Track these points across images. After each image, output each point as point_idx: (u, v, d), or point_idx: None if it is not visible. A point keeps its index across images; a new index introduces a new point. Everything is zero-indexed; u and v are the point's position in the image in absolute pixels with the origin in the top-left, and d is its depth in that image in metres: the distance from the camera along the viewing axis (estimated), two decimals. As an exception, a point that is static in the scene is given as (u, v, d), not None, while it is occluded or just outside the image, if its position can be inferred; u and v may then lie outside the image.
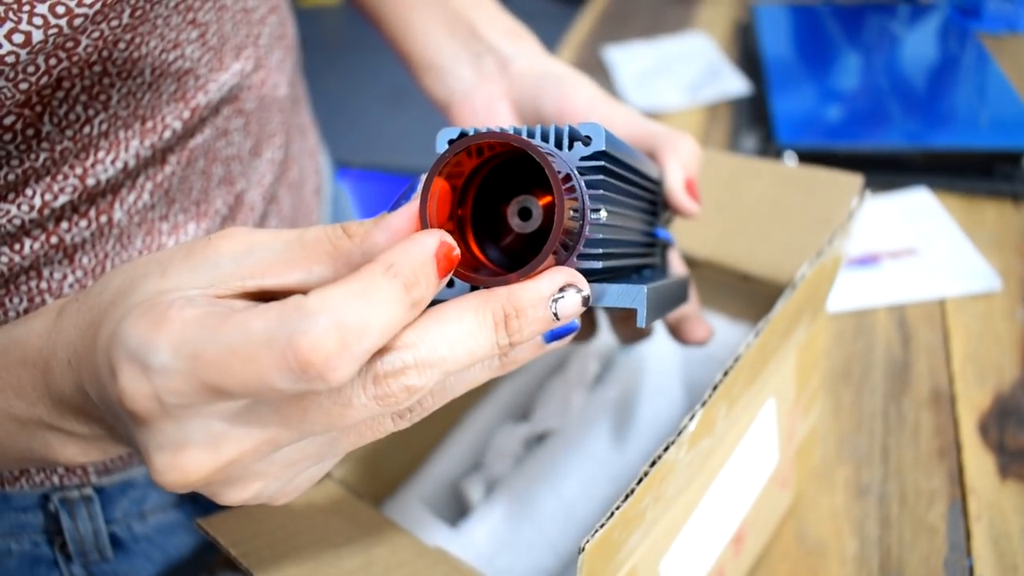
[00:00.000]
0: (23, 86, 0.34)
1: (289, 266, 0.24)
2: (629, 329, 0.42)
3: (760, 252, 0.46)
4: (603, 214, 0.26)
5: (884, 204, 0.77)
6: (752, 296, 0.47)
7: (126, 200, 0.43)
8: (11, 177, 0.38)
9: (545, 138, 0.27)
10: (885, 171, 0.81)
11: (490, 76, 0.49)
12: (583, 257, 0.26)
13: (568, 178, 0.25)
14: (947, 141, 0.81)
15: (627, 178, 0.31)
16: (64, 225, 0.41)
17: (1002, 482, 0.52)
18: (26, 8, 0.32)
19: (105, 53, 0.38)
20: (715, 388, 0.31)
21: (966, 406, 0.58)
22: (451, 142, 0.27)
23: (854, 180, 0.46)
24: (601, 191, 0.26)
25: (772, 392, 0.41)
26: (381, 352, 0.23)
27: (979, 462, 0.54)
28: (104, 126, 0.40)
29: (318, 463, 0.26)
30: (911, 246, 0.72)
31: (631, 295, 0.26)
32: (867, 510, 0.52)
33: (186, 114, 0.44)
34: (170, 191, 0.46)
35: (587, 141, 0.27)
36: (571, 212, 0.24)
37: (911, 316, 0.66)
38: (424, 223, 0.24)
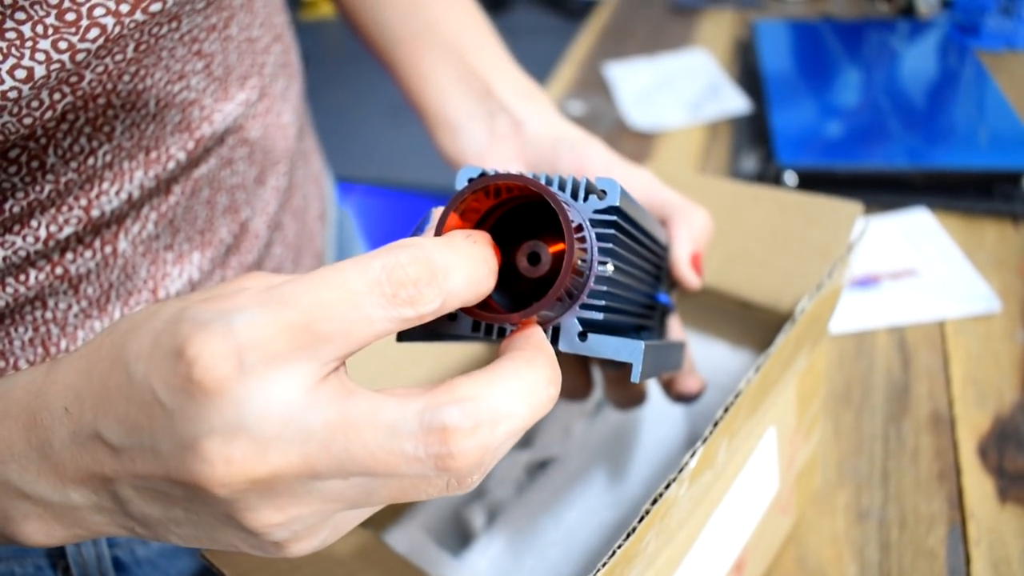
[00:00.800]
0: (27, 120, 0.35)
1: None
2: (623, 392, 0.42)
3: (760, 279, 0.47)
4: (609, 267, 0.27)
5: (884, 224, 0.77)
6: (753, 323, 0.47)
7: (131, 230, 0.44)
8: (16, 209, 0.38)
9: (562, 187, 0.28)
10: (885, 191, 0.81)
11: (504, 137, 0.49)
12: (585, 307, 0.27)
13: (580, 228, 0.25)
14: (946, 161, 0.82)
15: (636, 237, 0.32)
16: (69, 256, 0.42)
17: (1002, 506, 0.52)
18: (28, 44, 0.32)
19: (109, 86, 0.39)
20: (716, 424, 0.31)
21: (966, 429, 0.58)
22: (471, 180, 0.28)
23: (853, 207, 0.46)
24: (610, 245, 0.27)
25: (773, 421, 0.41)
26: (444, 403, 0.22)
27: (979, 486, 0.54)
28: (108, 157, 0.41)
29: (349, 510, 0.24)
30: (911, 267, 0.72)
31: (628, 349, 0.27)
32: (867, 534, 0.52)
33: (190, 145, 0.45)
34: (175, 221, 0.46)
35: (602, 195, 0.27)
36: (579, 261, 0.25)
37: (911, 338, 0.66)
38: None
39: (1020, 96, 0.93)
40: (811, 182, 0.81)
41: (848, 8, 1.25)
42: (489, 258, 0.25)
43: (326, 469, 0.22)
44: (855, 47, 1.09)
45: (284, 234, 0.56)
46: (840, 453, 0.57)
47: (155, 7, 0.36)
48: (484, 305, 0.27)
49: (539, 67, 1.24)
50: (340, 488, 0.23)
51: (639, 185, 0.43)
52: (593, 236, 0.27)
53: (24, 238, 0.39)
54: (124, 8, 0.35)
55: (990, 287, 0.69)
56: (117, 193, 0.42)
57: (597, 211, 0.27)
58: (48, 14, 0.32)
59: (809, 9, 1.27)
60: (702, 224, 0.41)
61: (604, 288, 0.27)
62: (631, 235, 0.31)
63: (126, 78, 0.39)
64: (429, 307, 0.23)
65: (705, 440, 0.30)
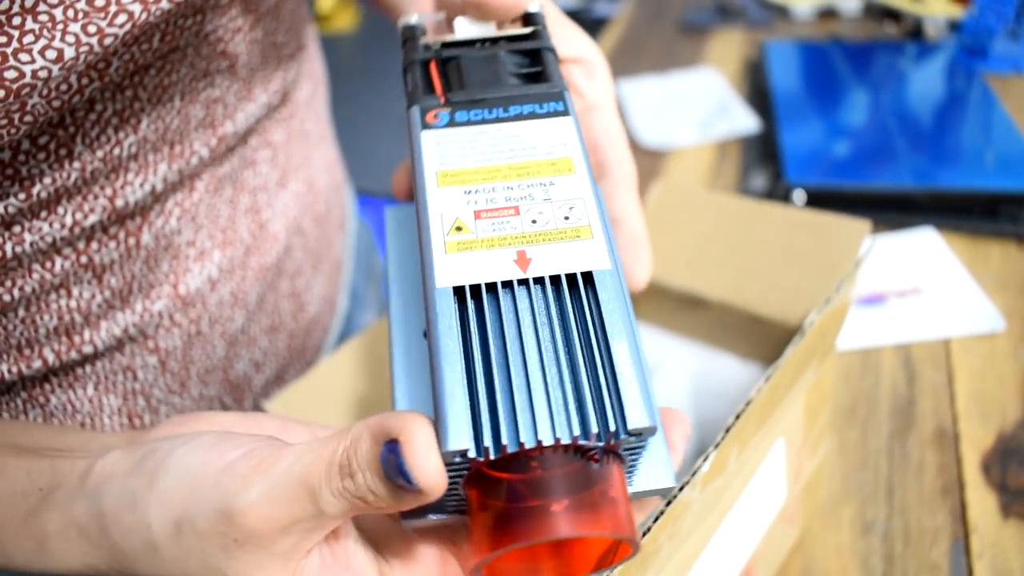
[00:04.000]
0: (56, 103, 0.36)
1: None
2: None
3: (770, 295, 0.48)
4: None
5: (891, 243, 0.79)
6: (763, 337, 0.48)
7: (154, 223, 0.45)
8: (43, 195, 0.39)
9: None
10: (892, 211, 0.83)
11: None
12: None
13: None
14: (953, 182, 0.83)
15: None
16: (94, 245, 0.43)
17: (1004, 521, 0.53)
18: (59, 27, 0.33)
19: (136, 78, 0.40)
20: (727, 431, 0.32)
21: (969, 445, 0.59)
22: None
23: (862, 226, 0.48)
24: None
25: (782, 432, 0.42)
26: None
27: (982, 501, 0.55)
28: (134, 148, 0.42)
29: None
30: (917, 286, 0.73)
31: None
32: (872, 547, 0.53)
33: (213, 141, 0.46)
34: (197, 217, 0.48)
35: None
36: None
37: (916, 355, 0.67)
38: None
39: (1026, 119, 0.94)
40: (820, 201, 0.83)
41: (857, 29, 1.27)
42: None
43: None
44: (863, 68, 1.10)
45: (305, 239, 0.57)
46: (846, 467, 0.58)
47: None
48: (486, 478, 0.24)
49: (551, 83, 1.25)
50: None
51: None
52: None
53: (51, 224, 0.40)
54: None
55: (995, 306, 0.70)
56: (141, 185, 0.43)
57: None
58: None
59: (818, 29, 1.28)
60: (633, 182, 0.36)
61: None
62: None
63: (152, 71, 0.41)
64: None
65: (717, 445, 0.31)
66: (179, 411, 0.52)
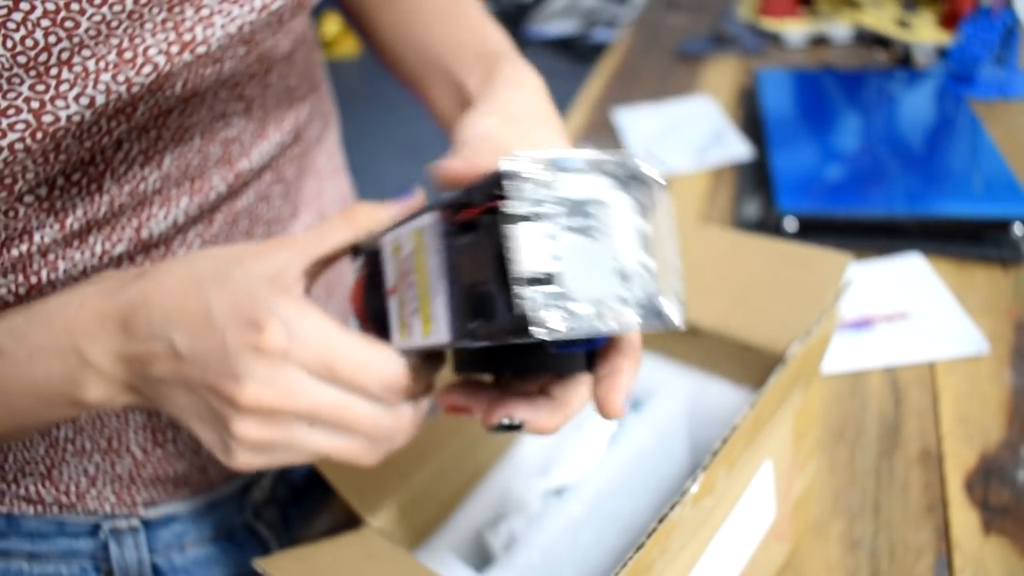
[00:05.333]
0: (87, 143, 0.40)
1: None
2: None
3: (758, 324, 0.51)
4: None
5: (879, 269, 0.82)
6: (752, 364, 0.51)
7: (177, 253, 0.49)
8: (75, 226, 0.43)
9: None
10: (880, 237, 0.86)
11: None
12: None
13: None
14: (939, 209, 0.86)
15: None
16: None
17: (986, 537, 0.56)
18: (92, 76, 0.37)
19: (160, 120, 0.44)
20: (715, 454, 0.35)
21: (953, 464, 0.62)
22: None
23: (843, 258, 0.51)
24: None
25: (769, 454, 0.45)
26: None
27: (964, 518, 0.57)
28: (158, 184, 0.46)
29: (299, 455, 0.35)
30: (904, 310, 0.76)
31: None
32: (859, 562, 0.55)
33: (231, 177, 0.50)
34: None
35: None
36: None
37: (903, 378, 0.70)
38: None
39: (1010, 144, 0.98)
40: (810, 227, 0.86)
41: (848, 56, 1.31)
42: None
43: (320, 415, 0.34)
44: (853, 95, 1.14)
45: None
46: (835, 486, 0.61)
47: (201, 50, 0.41)
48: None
49: (551, 111, 1.29)
50: (311, 436, 0.34)
51: None
52: None
53: (82, 252, 0.44)
54: (174, 49, 0.40)
55: (979, 330, 0.73)
56: (165, 217, 0.47)
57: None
58: (110, 51, 0.38)
59: (810, 56, 1.32)
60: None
61: None
62: None
63: (175, 114, 0.45)
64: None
65: (705, 468, 0.34)
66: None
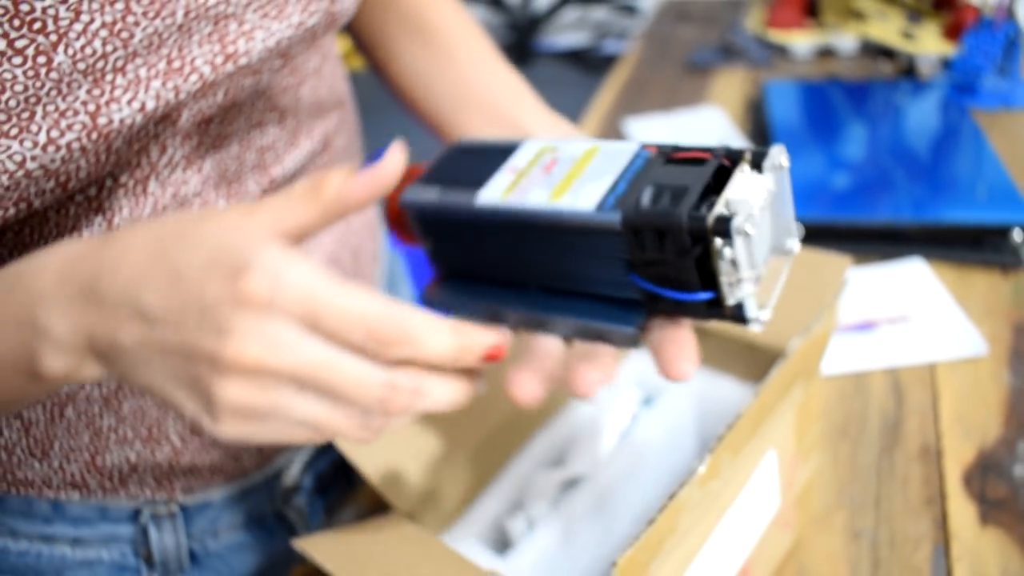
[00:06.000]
0: (135, 147, 0.44)
1: None
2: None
3: (763, 323, 0.54)
4: None
5: (881, 273, 0.84)
6: (757, 361, 0.54)
7: None
8: (121, 226, 0.47)
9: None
10: (883, 242, 0.88)
11: None
12: None
13: None
14: (941, 215, 0.88)
15: None
16: None
17: (982, 528, 0.58)
18: (144, 83, 0.41)
19: (202, 127, 0.48)
20: (720, 439, 0.38)
21: (952, 460, 0.64)
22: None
23: (843, 261, 0.53)
24: None
25: (772, 444, 0.48)
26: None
27: (962, 510, 0.60)
28: (198, 187, 0.50)
29: (285, 423, 0.33)
30: (905, 313, 0.79)
31: None
32: (861, 552, 0.58)
33: (265, 182, 0.54)
34: None
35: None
36: None
37: (904, 378, 0.73)
38: None
39: (1011, 153, 1.00)
40: (816, 234, 0.88)
41: (853, 68, 1.33)
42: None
43: (306, 379, 0.31)
44: (859, 106, 1.16)
45: (341, 269, 0.64)
46: (838, 480, 0.63)
47: (242, 61, 0.45)
48: None
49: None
50: (298, 401, 0.32)
51: None
52: None
53: None
54: (219, 60, 0.44)
55: (979, 332, 0.75)
56: None
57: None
58: (160, 60, 0.42)
59: (816, 68, 1.35)
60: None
61: None
62: None
63: (215, 121, 0.49)
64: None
65: (712, 451, 0.37)
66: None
